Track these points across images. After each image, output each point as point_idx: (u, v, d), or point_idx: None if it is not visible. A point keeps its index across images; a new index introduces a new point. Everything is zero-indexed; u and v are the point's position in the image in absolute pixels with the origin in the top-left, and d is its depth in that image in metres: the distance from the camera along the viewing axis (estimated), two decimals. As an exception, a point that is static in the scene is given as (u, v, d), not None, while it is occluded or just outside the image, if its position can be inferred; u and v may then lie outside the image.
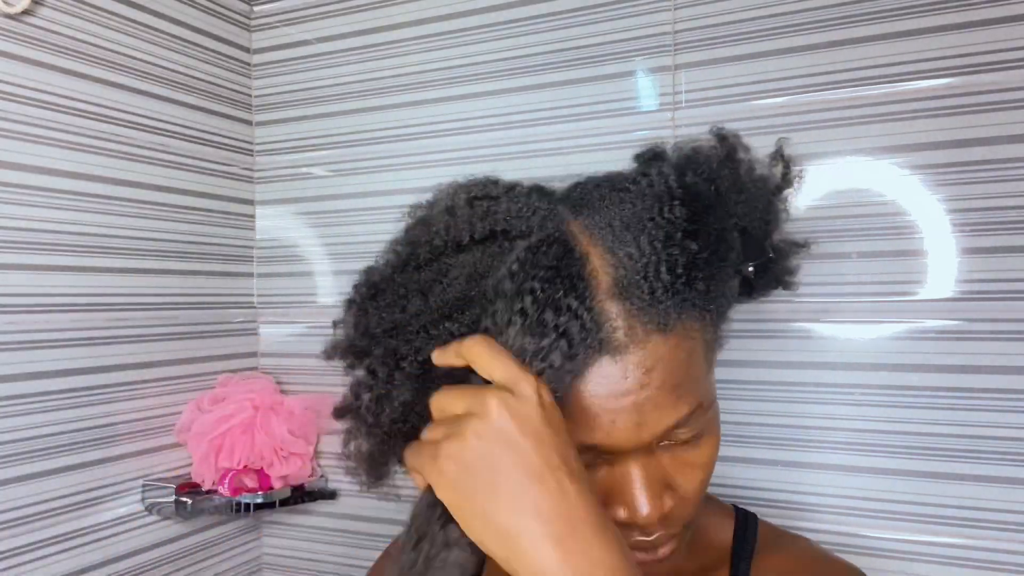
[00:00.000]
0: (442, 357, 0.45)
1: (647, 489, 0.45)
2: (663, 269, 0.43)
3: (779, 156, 0.57)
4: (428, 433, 0.43)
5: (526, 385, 0.40)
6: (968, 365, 0.83)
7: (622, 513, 0.46)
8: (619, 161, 0.99)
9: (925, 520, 0.85)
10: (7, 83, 0.84)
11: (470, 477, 0.38)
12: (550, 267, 0.43)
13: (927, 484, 0.85)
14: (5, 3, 0.83)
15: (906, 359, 0.86)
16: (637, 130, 0.97)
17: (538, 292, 0.42)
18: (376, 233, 1.12)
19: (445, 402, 0.42)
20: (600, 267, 0.44)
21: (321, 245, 1.17)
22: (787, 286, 0.58)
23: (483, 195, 0.51)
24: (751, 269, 0.52)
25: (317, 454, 1.15)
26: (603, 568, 0.37)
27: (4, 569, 0.84)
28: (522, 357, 0.41)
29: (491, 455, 0.38)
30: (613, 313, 0.43)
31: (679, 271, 0.44)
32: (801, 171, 0.57)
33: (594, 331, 0.42)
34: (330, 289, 1.17)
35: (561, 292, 0.42)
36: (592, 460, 0.46)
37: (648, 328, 0.43)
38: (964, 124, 0.83)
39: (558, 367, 0.41)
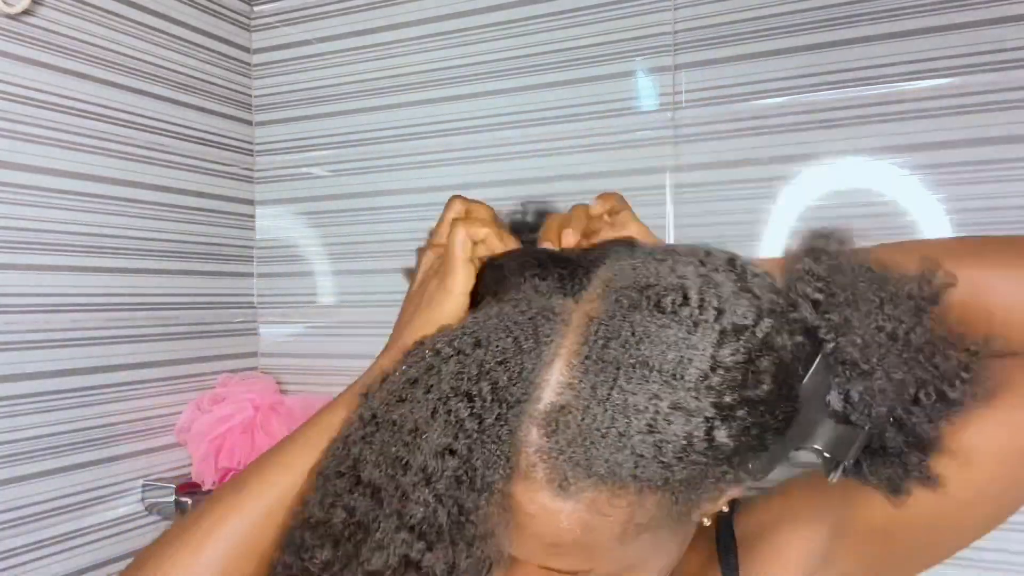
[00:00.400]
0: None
1: None
2: (614, 431, 0.37)
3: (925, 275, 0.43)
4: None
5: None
6: (968, 365, 0.83)
7: None
8: (619, 161, 1.00)
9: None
10: (7, 83, 0.84)
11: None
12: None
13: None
14: (5, 3, 0.83)
15: (906, 359, 0.86)
16: (637, 130, 0.97)
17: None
18: (376, 233, 1.12)
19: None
20: (557, 376, 0.38)
21: (321, 245, 1.17)
22: (896, 491, 0.43)
23: None
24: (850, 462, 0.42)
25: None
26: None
27: (4, 569, 0.84)
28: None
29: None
30: (529, 438, 0.38)
31: (634, 441, 0.37)
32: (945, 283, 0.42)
33: (502, 452, 0.38)
34: (330, 289, 1.17)
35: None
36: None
37: (546, 479, 0.38)
38: (964, 124, 0.83)
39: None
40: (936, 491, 0.41)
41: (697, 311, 0.37)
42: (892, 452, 0.41)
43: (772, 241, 0.91)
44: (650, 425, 0.36)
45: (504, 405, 0.38)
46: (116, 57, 0.97)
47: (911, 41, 0.85)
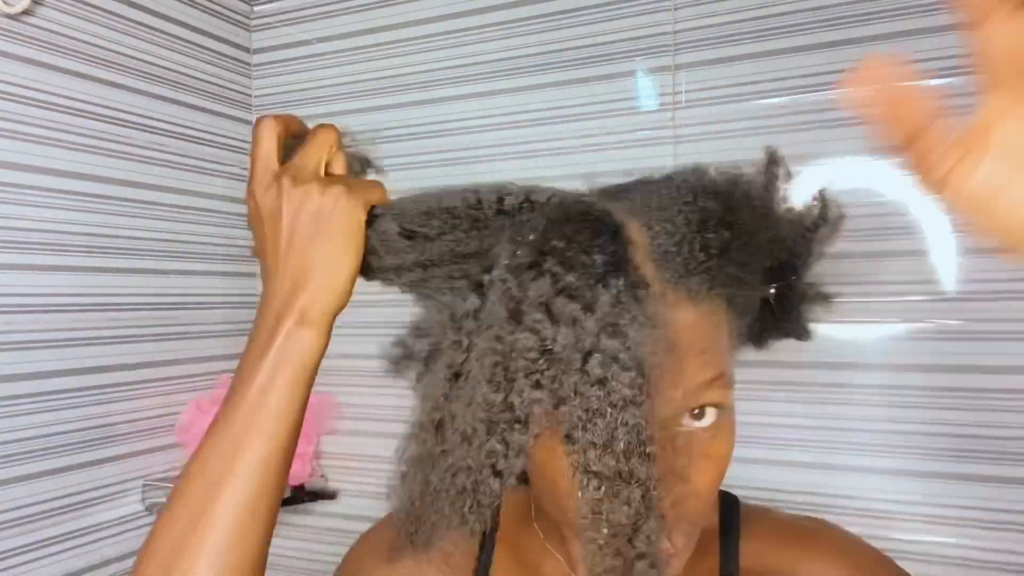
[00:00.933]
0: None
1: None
2: (697, 247, 0.44)
3: (820, 197, 0.58)
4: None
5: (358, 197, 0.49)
6: (968, 365, 0.83)
7: None
8: (619, 161, 1.00)
9: (925, 520, 0.85)
10: (7, 83, 0.84)
11: (285, 223, 0.47)
12: (584, 218, 0.43)
13: (927, 484, 0.85)
14: (5, 3, 0.83)
15: (906, 359, 0.86)
16: (637, 130, 0.97)
17: (572, 238, 0.42)
18: (376, 233, 1.12)
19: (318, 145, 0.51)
20: (637, 236, 0.44)
21: (321, 245, 1.17)
22: (800, 335, 0.57)
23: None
24: (772, 292, 0.53)
25: (317, 454, 1.15)
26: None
27: (4, 569, 0.84)
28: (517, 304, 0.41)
29: (310, 225, 0.47)
30: (646, 279, 0.43)
31: (712, 250, 0.44)
32: (841, 215, 0.57)
33: (628, 281, 0.41)
34: (330, 289, 1.17)
35: (599, 242, 0.42)
36: None
37: (679, 295, 0.44)
38: (964, 124, 0.83)
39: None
40: None
41: None
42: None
43: (772, 241, 0.91)
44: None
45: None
46: (116, 57, 0.97)
47: (911, 41, 0.85)
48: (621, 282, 0.41)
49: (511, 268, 0.42)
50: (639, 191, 0.50)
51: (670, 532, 0.44)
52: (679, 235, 0.44)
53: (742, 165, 0.54)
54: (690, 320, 0.44)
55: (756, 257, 0.49)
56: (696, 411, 0.46)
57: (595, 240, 0.41)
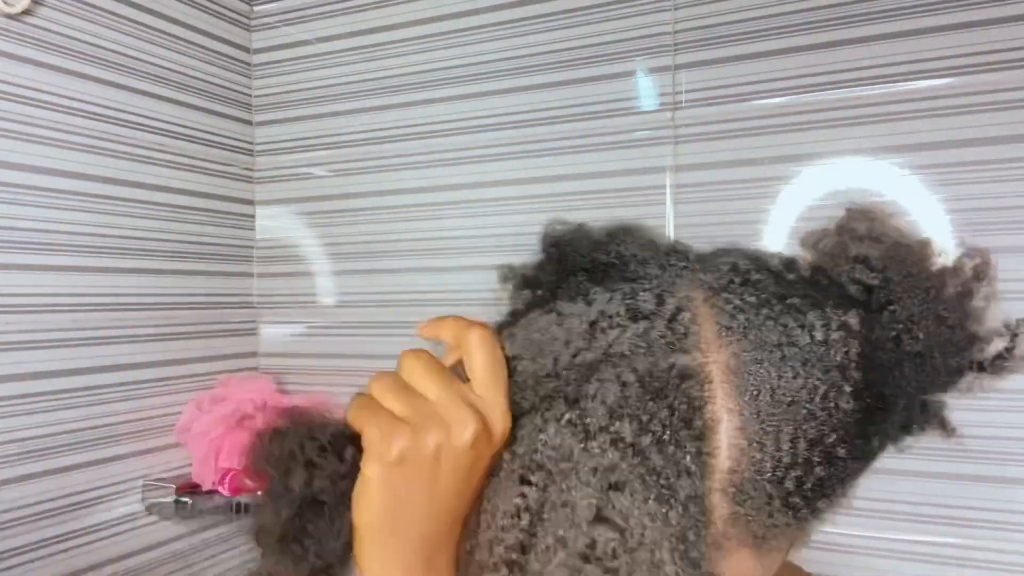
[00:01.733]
0: (431, 328, 0.39)
1: None
2: (790, 483, 0.35)
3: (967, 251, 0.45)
4: (387, 396, 0.36)
5: (496, 423, 0.35)
6: (968, 365, 0.83)
7: None
8: (619, 161, 1.00)
9: (925, 520, 0.85)
10: (7, 83, 0.84)
11: (404, 484, 0.35)
12: (666, 402, 0.35)
13: (927, 484, 0.85)
14: (5, 3, 0.83)
15: (906, 359, 0.86)
16: (637, 130, 0.97)
17: (654, 428, 0.34)
18: (376, 233, 1.12)
19: (420, 371, 0.36)
20: (725, 439, 0.35)
21: (321, 245, 1.17)
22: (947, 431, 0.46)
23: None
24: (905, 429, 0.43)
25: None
26: None
27: (4, 569, 0.84)
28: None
29: (429, 482, 0.35)
30: (715, 513, 0.35)
31: (807, 488, 0.35)
32: (987, 265, 0.45)
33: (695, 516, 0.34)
34: (330, 289, 1.17)
35: (674, 448, 0.34)
36: None
37: (740, 540, 0.36)
38: (964, 124, 0.83)
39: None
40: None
41: (818, 329, 0.36)
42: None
43: (772, 241, 0.91)
44: (823, 456, 0.35)
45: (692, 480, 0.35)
46: (116, 57, 0.97)
47: (911, 41, 0.85)
48: None
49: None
50: (761, 326, 0.36)
51: None
52: (776, 459, 0.35)
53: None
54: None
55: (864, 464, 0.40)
56: None
57: None
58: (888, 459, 0.85)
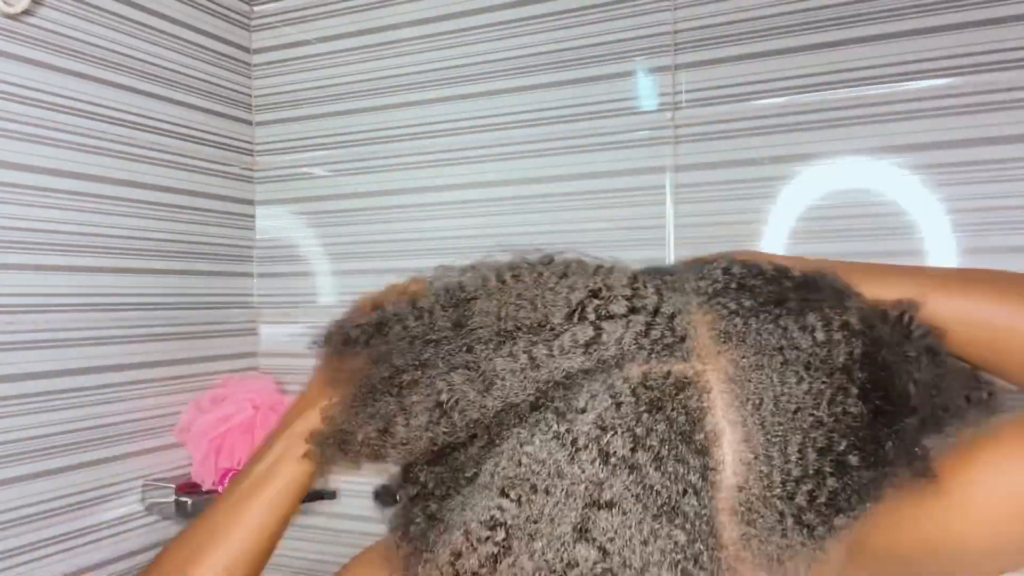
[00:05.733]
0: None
1: None
2: (802, 498, 0.33)
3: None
4: None
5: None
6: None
7: None
8: (619, 161, 1.00)
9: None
10: (7, 83, 0.84)
11: None
12: (661, 415, 0.33)
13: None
14: (5, 3, 0.83)
15: (906, 359, 0.86)
16: (637, 130, 0.97)
17: (647, 443, 0.32)
18: (376, 233, 1.12)
19: None
20: (729, 453, 0.33)
21: (321, 245, 1.17)
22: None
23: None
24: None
25: (317, 454, 1.15)
26: None
27: (4, 569, 0.84)
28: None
29: None
30: (724, 535, 0.33)
31: (820, 502, 0.33)
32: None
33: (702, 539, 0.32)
34: (330, 289, 1.17)
35: (674, 466, 0.32)
36: None
37: (755, 563, 0.34)
38: (964, 124, 0.83)
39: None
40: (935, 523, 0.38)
41: (820, 330, 0.34)
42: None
43: (772, 241, 0.91)
44: (835, 466, 0.33)
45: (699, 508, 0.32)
46: (116, 57, 0.97)
47: (911, 41, 0.85)
48: None
49: None
50: (759, 333, 0.35)
51: None
52: (785, 472, 0.33)
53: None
54: None
55: (885, 475, 0.37)
56: None
57: None
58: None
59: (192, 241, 1.09)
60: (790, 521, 0.33)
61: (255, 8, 1.20)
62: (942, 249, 0.84)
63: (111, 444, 0.97)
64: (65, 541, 0.91)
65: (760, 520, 0.33)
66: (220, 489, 1.03)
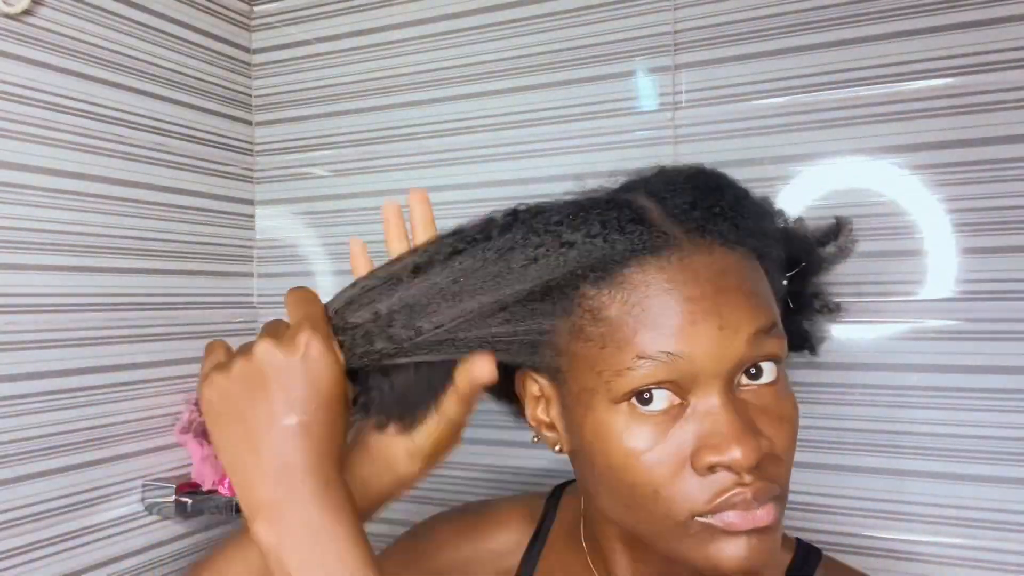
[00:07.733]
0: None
1: (738, 420, 0.41)
2: (711, 202, 0.46)
3: (837, 221, 0.60)
4: (211, 359, 0.48)
5: (299, 337, 0.45)
6: (968, 365, 0.83)
7: (711, 457, 0.41)
8: (619, 161, 1.00)
9: (925, 520, 0.85)
10: (7, 83, 0.84)
11: (223, 406, 0.44)
12: (595, 203, 0.47)
13: (927, 484, 0.85)
14: (5, 3, 0.83)
15: (906, 359, 0.86)
16: (637, 130, 0.97)
17: (587, 206, 0.46)
18: (377, 233, 1.11)
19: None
20: (648, 203, 0.46)
21: (321, 245, 1.17)
22: (813, 347, 0.59)
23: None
24: (784, 284, 0.53)
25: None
26: (310, 529, 0.40)
27: (4, 569, 0.84)
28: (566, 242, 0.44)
29: (243, 392, 0.43)
30: (672, 229, 0.45)
31: (726, 203, 0.46)
32: (853, 240, 0.59)
33: (650, 232, 0.44)
34: (330, 289, 1.17)
35: (614, 207, 0.45)
36: (677, 413, 0.43)
37: (712, 240, 0.44)
38: (964, 124, 0.83)
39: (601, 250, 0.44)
40: None
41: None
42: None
43: (772, 241, 0.91)
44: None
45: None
46: (116, 57, 0.97)
47: (911, 41, 0.85)
48: (641, 231, 0.43)
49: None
50: (638, 183, 0.52)
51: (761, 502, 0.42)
52: (691, 196, 0.45)
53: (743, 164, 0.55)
54: (730, 262, 0.44)
55: (770, 219, 0.51)
56: (753, 370, 0.44)
57: (609, 213, 0.44)
58: (890, 459, 0.85)
59: (192, 241, 1.09)
60: (711, 219, 0.46)
61: (255, 8, 1.20)
62: (942, 249, 0.84)
63: (111, 444, 0.97)
64: (65, 541, 0.91)
65: (689, 219, 0.46)
66: (220, 489, 1.02)
